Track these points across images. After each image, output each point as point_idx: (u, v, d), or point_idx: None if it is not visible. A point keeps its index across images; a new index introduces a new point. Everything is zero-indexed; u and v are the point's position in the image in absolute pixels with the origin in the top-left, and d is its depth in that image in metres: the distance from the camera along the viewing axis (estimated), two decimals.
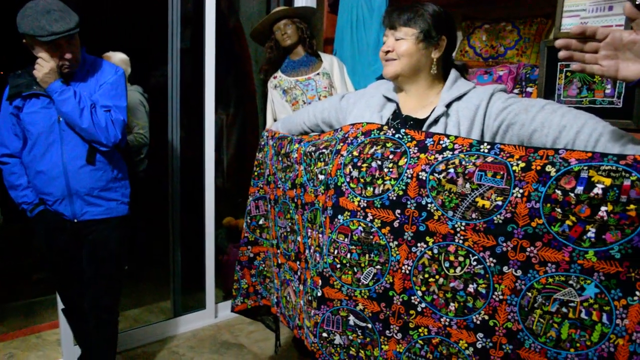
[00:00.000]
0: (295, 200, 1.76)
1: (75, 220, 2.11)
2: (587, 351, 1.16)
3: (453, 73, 1.55)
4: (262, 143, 2.06)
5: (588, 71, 1.04)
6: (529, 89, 2.36)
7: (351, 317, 1.49)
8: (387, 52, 1.53)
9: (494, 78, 2.44)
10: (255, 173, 2.10)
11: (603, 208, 1.11)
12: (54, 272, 2.26)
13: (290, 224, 1.82)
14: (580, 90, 2.14)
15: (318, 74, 2.85)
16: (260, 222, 2.10)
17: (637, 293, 1.09)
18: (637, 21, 0.96)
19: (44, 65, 1.93)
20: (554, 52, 2.20)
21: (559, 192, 1.15)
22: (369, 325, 1.46)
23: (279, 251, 1.94)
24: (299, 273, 1.78)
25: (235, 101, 3.84)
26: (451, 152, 1.33)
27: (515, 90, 2.39)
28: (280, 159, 1.87)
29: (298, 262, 1.78)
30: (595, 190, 1.11)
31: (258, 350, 2.90)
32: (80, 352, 2.50)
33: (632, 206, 1.08)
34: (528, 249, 1.20)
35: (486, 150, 1.29)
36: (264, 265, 2.11)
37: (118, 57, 3.22)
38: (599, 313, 1.14)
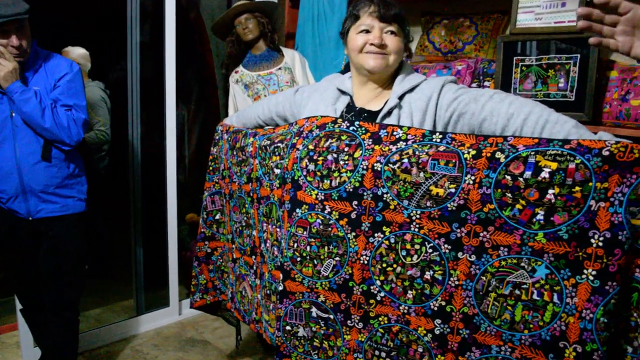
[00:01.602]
0: (251, 194, 1.76)
1: (30, 218, 2.06)
2: (540, 331, 1.20)
3: (405, 66, 1.57)
4: (217, 137, 2.05)
5: (604, 44, 1.02)
6: (486, 83, 2.40)
7: (313, 309, 1.50)
8: (382, 45, 1.48)
9: (453, 72, 2.48)
10: (210, 168, 2.09)
11: (550, 191, 1.14)
12: (11, 271, 2.21)
13: (245, 219, 1.82)
14: (535, 84, 2.19)
15: (280, 68, 2.85)
16: (217, 217, 2.09)
17: (585, 272, 1.13)
18: None
19: (6, 65, 1.89)
20: (510, 47, 2.25)
21: (508, 177, 1.18)
22: (331, 316, 1.47)
23: (234, 246, 1.94)
24: (254, 267, 1.78)
25: (196, 96, 3.81)
26: (405, 143, 1.35)
27: (474, 84, 2.43)
28: (235, 153, 1.87)
29: (254, 257, 1.78)
30: (543, 174, 1.15)
31: (223, 346, 2.89)
32: (40, 353, 2.44)
33: (577, 188, 1.12)
34: (481, 234, 1.23)
35: (438, 140, 1.32)
36: (221, 260, 2.11)
37: (77, 53, 3.15)
38: (550, 293, 1.18)
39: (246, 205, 1.81)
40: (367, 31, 1.50)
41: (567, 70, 2.09)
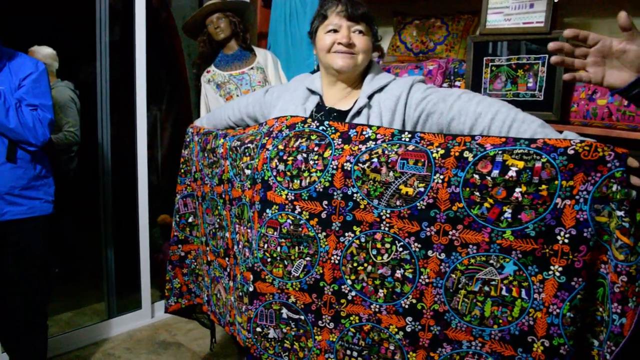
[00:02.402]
0: (223, 196, 1.75)
1: None
2: (509, 326, 1.21)
3: (374, 66, 1.57)
4: (187, 139, 2.03)
5: (577, 79, 1.04)
6: (457, 83, 2.43)
7: (284, 310, 1.49)
8: (349, 44, 1.47)
9: (424, 72, 2.50)
10: (182, 170, 2.06)
11: (517, 189, 1.16)
12: None
13: (218, 220, 1.81)
14: (505, 84, 2.22)
15: (252, 68, 2.83)
16: (190, 219, 2.07)
17: (552, 268, 1.15)
18: (630, 32, 0.97)
19: None
20: (480, 48, 2.28)
21: (476, 176, 1.19)
22: (302, 317, 1.47)
23: (208, 248, 1.92)
24: (228, 269, 1.76)
25: (168, 96, 3.76)
26: (374, 142, 1.35)
27: (445, 84, 2.45)
28: (206, 154, 1.85)
29: (227, 259, 1.76)
30: (510, 173, 1.16)
31: (197, 348, 2.86)
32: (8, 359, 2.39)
33: (543, 186, 1.14)
34: (450, 232, 1.24)
35: (407, 139, 1.32)
36: (195, 264, 2.09)
37: (44, 52, 3.09)
38: (518, 289, 1.19)
39: (219, 207, 1.79)
40: (335, 31, 1.50)
41: (535, 70, 2.12)
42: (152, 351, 2.84)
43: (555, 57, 1.05)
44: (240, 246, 1.63)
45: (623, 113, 1.80)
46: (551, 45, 1.06)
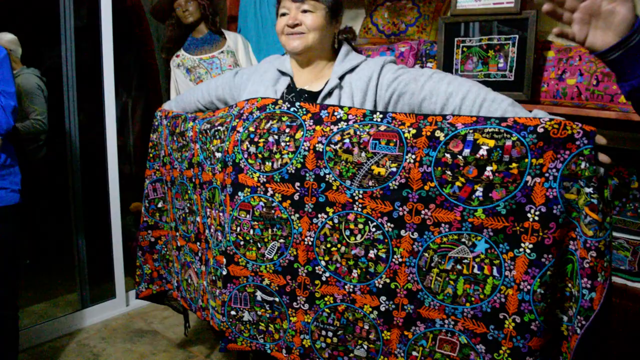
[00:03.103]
0: (193, 179, 1.72)
1: None
2: (481, 304, 1.23)
3: (344, 46, 1.56)
4: (156, 123, 1.99)
5: (563, 35, 1.01)
6: (429, 65, 2.43)
7: (258, 293, 1.48)
8: (295, 25, 1.47)
9: (396, 54, 2.49)
10: (151, 155, 2.03)
11: (488, 168, 1.17)
12: None
13: (188, 205, 1.79)
14: (476, 65, 2.23)
15: (222, 52, 2.79)
16: (159, 205, 2.04)
17: (522, 245, 1.17)
18: None
19: None
20: (451, 29, 2.28)
21: (448, 155, 1.20)
22: (276, 299, 1.46)
23: (178, 233, 1.90)
24: (199, 254, 1.75)
25: (137, 82, 3.69)
26: (346, 123, 1.35)
27: (417, 66, 2.45)
28: (175, 138, 1.82)
29: (198, 243, 1.75)
30: (481, 152, 1.17)
31: (173, 335, 2.84)
32: None
33: (514, 164, 1.14)
34: (423, 212, 1.24)
35: (379, 120, 1.32)
36: (166, 249, 2.06)
37: (5, 38, 2.98)
38: (489, 267, 1.21)
39: (189, 192, 1.77)
40: (286, 14, 1.50)
41: (506, 51, 2.13)
42: (128, 340, 2.81)
43: (547, 5, 1.02)
44: (212, 230, 1.61)
45: (592, 92, 1.82)
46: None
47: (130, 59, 3.63)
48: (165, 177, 1.96)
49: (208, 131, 1.62)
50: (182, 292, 1.94)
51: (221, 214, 1.55)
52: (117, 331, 2.92)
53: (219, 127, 1.58)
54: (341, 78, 1.48)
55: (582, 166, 1.10)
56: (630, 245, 1.88)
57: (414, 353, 1.33)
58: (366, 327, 1.37)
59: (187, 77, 2.78)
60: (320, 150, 1.33)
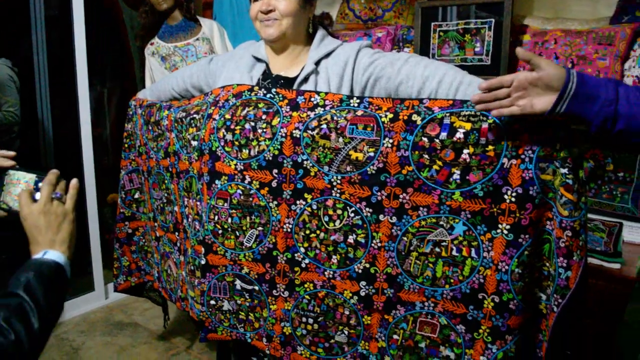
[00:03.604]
0: (170, 169, 1.70)
1: None
2: (460, 285, 1.23)
3: (320, 31, 1.54)
4: (130, 113, 1.96)
5: (507, 114, 1.08)
6: (406, 49, 2.43)
7: (237, 282, 1.47)
8: (269, 11, 1.45)
9: (373, 39, 2.48)
10: (126, 145, 1.99)
11: (465, 151, 1.17)
12: None
13: (166, 195, 1.76)
14: (452, 49, 2.23)
15: (197, 39, 2.75)
16: (136, 195, 2.01)
17: (500, 226, 1.17)
18: (532, 61, 1.03)
19: None
20: (427, 13, 2.28)
21: (425, 139, 1.20)
22: (256, 287, 1.46)
23: (156, 224, 1.88)
24: (178, 244, 1.73)
25: (111, 71, 3.62)
26: (323, 109, 1.34)
27: (394, 51, 2.45)
28: (150, 127, 1.79)
29: (177, 233, 1.73)
30: (458, 135, 1.17)
31: (154, 327, 2.82)
32: None
33: (490, 147, 1.15)
34: (401, 196, 1.24)
35: (356, 105, 1.31)
36: (144, 240, 2.04)
37: None
38: (468, 249, 1.21)
39: (166, 181, 1.74)
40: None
41: (482, 35, 2.14)
42: (107, 333, 2.78)
43: (480, 105, 1.10)
44: (190, 219, 1.60)
45: None
46: (474, 98, 1.11)
47: (104, 48, 3.57)
48: (141, 167, 1.93)
49: (183, 119, 1.60)
50: (162, 283, 1.92)
51: (199, 203, 1.53)
52: (96, 324, 2.89)
53: (194, 115, 1.56)
54: (317, 63, 1.47)
55: (557, 147, 1.11)
56: (605, 226, 1.91)
57: (395, 336, 1.33)
58: (347, 312, 1.37)
59: (162, 65, 2.74)
60: (298, 136, 1.32)
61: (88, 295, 3.08)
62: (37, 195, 1.04)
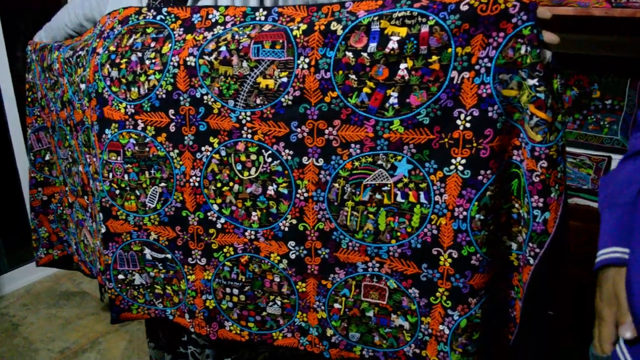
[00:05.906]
0: (68, 121, 1.41)
1: None
2: (410, 239, 0.99)
3: None
4: (29, 60, 1.63)
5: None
6: None
7: (146, 250, 1.22)
8: None
9: None
10: (29, 99, 1.67)
11: (402, 65, 0.89)
12: None
13: (70, 153, 1.47)
14: None
15: None
16: (47, 157, 1.71)
17: (453, 161, 0.91)
18: None
19: None
20: None
21: (349, 54, 0.91)
22: (169, 256, 1.20)
23: (67, 188, 1.60)
24: (89, 209, 1.45)
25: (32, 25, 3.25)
26: (222, 27, 1.04)
27: None
28: (47, 75, 1.48)
29: (86, 197, 1.45)
30: (391, 45, 0.88)
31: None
32: None
33: (434, 57, 0.87)
34: (326, 131, 0.97)
35: (262, 18, 1.02)
36: (62, 208, 1.76)
37: None
38: (415, 193, 0.96)
39: (67, 137, 1.45)
40: None
41: None
42: (53, 304, 2.55)
43: None
44: (94, 180, 1.32)
45: None
46: None
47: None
48: (46, 123, 1.63)
49: (71, 59, 1.30)
50: (80, 256, 1.66)
51: (95, 159, 1.25)
52: (41, 296, 2.65)
53: (80, 52, 1.25)
54: None
55: (522, 51, 0.84)
56: (592, 161, 1.72)
57: (337, 305, 1.09)
58: (276, 279, 1.12)
59: None
60: (192, 64, 1.03)
61: (31, 265, 2.83)
62: None
